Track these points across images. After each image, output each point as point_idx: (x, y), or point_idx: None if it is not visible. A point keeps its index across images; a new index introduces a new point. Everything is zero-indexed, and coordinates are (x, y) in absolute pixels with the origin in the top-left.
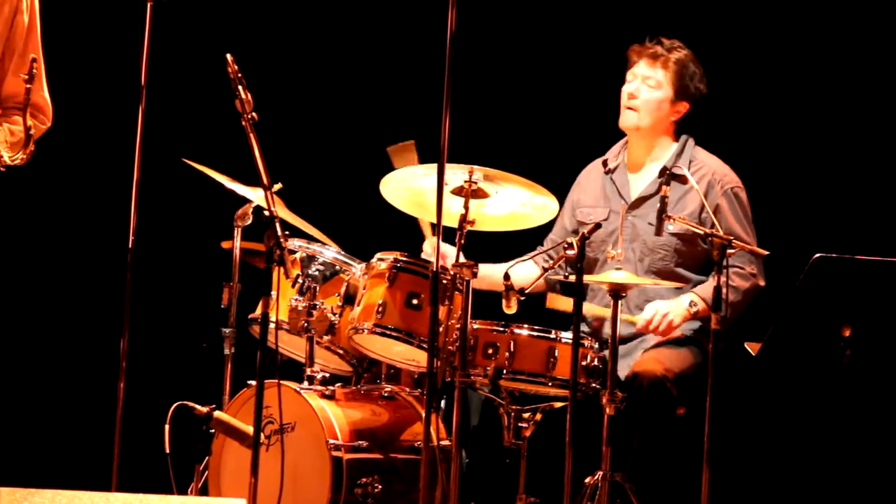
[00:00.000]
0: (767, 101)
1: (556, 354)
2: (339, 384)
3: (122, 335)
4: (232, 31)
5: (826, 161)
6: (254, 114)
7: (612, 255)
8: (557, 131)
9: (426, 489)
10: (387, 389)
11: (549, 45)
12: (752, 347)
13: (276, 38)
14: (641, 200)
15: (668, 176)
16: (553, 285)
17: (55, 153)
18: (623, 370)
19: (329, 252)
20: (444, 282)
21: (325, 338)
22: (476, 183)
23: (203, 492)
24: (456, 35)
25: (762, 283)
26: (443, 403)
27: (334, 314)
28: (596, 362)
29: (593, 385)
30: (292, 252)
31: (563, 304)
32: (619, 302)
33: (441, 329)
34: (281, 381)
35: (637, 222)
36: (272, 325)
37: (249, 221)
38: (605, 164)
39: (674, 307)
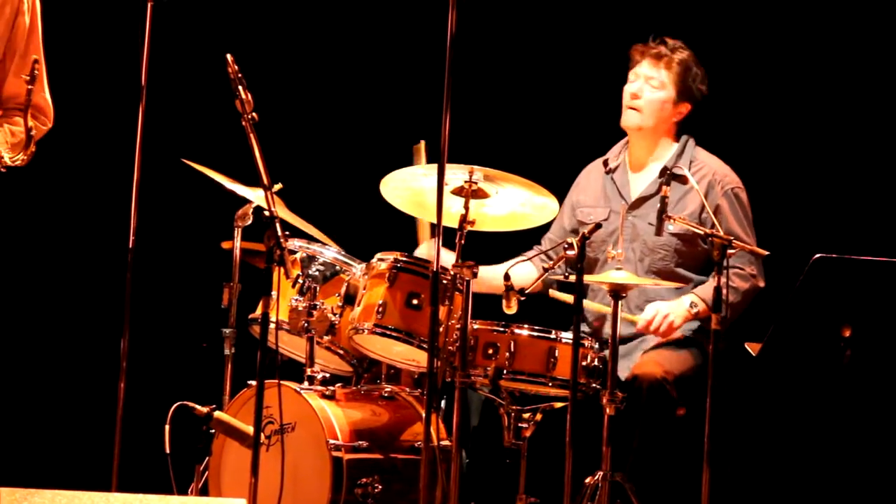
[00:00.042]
0: (767, 101)
1: (557, 355)
2: (339, 384)
3: (123, 335)
4: (232, 31)
5: (826, 161)
6: (254, 114)
7: (613, 255)
8: (557, 131)
9: (426, 489)
10: (387, 390)
11: (548, 46)
12: (752, 348)
13: (276, 38)
14: (642, 200)
15: (668, 176)
16: (550, 286)
17: (56, 154)
18: (623, 370)
19: (329, 252)
20: (445, 282)
21: (326, 338)
22: (476, 183)
23: (203, 492)
24: (456, 35)
25: (762, 283)
26: (443, 403)
27: (334, 314)
28: (596, 362)
29: (593, 385)
30: (292, 252)
31: (566, 295)
32: (620, 302)
33: (441, 329)
34: (281, 382)
35: (637, 222)
36: (272, 326)
37: (250, 222)
38: (605, 163)
39: (674, 308)
